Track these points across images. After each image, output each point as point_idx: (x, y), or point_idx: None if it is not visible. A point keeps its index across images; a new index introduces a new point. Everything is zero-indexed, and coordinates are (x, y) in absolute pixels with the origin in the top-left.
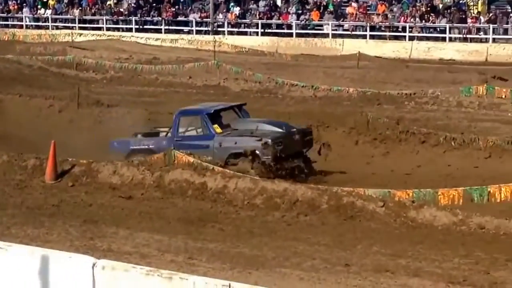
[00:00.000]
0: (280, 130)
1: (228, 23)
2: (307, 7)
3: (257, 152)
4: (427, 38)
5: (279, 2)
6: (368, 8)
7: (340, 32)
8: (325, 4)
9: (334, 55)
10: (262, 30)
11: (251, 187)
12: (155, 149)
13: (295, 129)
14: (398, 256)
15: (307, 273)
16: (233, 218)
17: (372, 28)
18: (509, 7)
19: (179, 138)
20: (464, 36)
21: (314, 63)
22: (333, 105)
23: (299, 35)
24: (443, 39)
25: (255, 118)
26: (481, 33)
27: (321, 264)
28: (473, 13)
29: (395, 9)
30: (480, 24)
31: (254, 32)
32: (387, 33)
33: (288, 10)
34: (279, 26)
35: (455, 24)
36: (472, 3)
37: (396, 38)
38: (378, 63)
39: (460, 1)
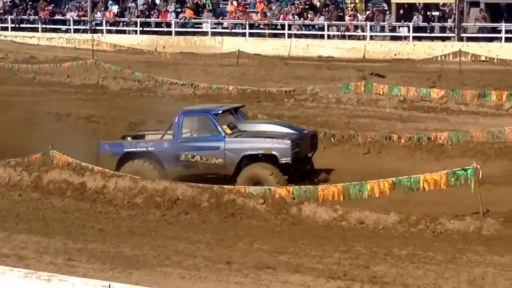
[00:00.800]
0: (295, 132)
1: (107, 22)
2: (186, 5)
3: (275, 153)
4: (306, 36)
5: (157, 0)
6: (247, 6)
7: (220, 30)
8: (203, 2)
9: (213, 53)
10: (141, 29)
11: (131, 186)
12: (155, 152)
13: (306, 131)
14: (279, 252)
15: (188, 272)
16: (113, 218)
17: (251, 26)
18: (386, 5)
19: (184, 139)
20: (342, 33)
21: (194, 61)
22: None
23: (178, 33)
24: (322, 36)
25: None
26: (359, 30)
27: (202, 262)
28: (351, 10)
29: (273, 7)
30: (357, 21)
31: (133, 30)
32: (266, 31)
33: (167, 8)
34: (158, 25)
35: (333, 22)
36: (349, 1)
37: (275, 35)
38: (257, 61)
39: None
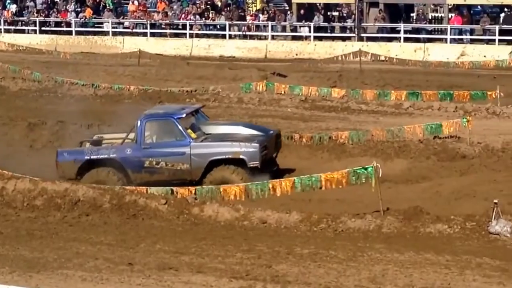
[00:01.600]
0: (261, 133)
1: (5, 21)
2: (87, 4)
3: (244, 158)
4: (208, 36)
5: None
6: (148, 5)
7: (120, 30)
8: (104, 2)
9: (114, 53)
10: (40, 28)
11: (31, 188)
12: (118, 159)
13: (272, 132)
14: (182, 253)
15: (89, 274)
16: (12, 220)
17: (153, 26)
18: (286, 5)
19: (147, 145)
20: (244, 33)
21: (95, 61)
22: (114, 103)
23: (78, 33)
24: (223, 36)
25: (213, 121)
26: (260, 30)
27: (104, 264)
28: (252, 10)
29: (175, 6)
30: (259, 21)
31: (32, 30)
32: (168, 31)
33: (67, 7)
34: (57, 24)
35: (234, 22)
36: (251, 1)
37: (177, 35)
38: (159, 61)
39: None
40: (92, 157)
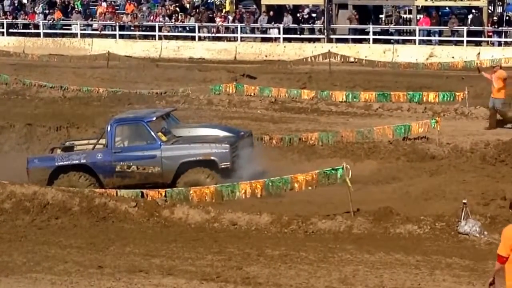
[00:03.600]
0: (231, 134)
1: None
2: (55, 7)
3: (214, 159)
4: (177, 37)
5: (25, 1)
6: (117, 7)
7: (89, 31)
8: (72, 3)
9: (83, 55)
10: (8, 30)
11: None
12: (89, 164)
13: (243, 133)
14: (152, 255)
15: (59, 277)
16: None
17: (122, 28)
18: (255, 7)
19: (118, 149)
20: (213, 35)
21: (63, 64)
22: (83, 106)
23: (46, 35)
24: (193, 38)
25: (184, 123)
26: (230, 32)
27: (74, 267)
28: (222, 12)
29: (144, 8)
30: (228, 23)
31: None
32: (137, 33)
33: (35, 9)
34: (25, 26)
35: (204, 23)
36: (220, 3)
37: (146, 37)
38: (128, 63)
39: (209, 1)
40: (63, 163)
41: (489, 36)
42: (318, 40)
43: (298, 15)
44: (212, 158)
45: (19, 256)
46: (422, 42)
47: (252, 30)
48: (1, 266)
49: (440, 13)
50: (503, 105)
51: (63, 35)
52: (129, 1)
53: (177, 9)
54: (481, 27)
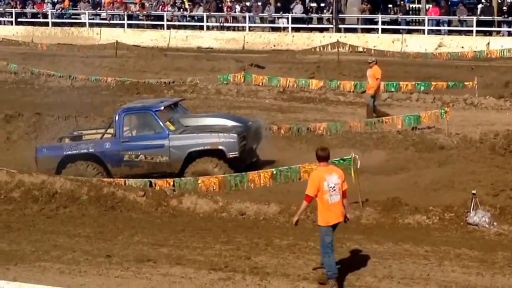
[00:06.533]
0: (239, 124)
1: None
2: None
3: (222, 148)
4: (185, 27)
5: None
6: None
7: (98, 21)
8: None
9: (91, 44)
10: (16, 19)
11: (8, 180)
12: (97, 153)
13: (251, 123)
14: (160, 245)
15: (67, 266)
16: None
17: (130, 17)
18: None
19: (126, 139)
20: (221, 24)
21: (71, 53)
22: (91, 95)
23: (55, 24)
24: (201, 27)
25: (193, 113)
26: (239, 21)
27: (82, 256)
28: (229, 2)
29: None
30: (236, 12)
31: (8, 21)
32: (145, 22)
33: None
34: (34, 15)
35: (212, 13)
36: None
37: (154, 27)
38: (136, 52)
39: None
40: (71, 152)
41: (499, 26)
42: (326, 29)
43: (307, 5)
44: (220, 147)
45: (28, 245)
46: (431, 32)
47: (261, 20)
48: (10, 254)
49: (449, 2)
50: (369, 101)
51: (71, 25)
52: None
53: None
54: (491, 17)
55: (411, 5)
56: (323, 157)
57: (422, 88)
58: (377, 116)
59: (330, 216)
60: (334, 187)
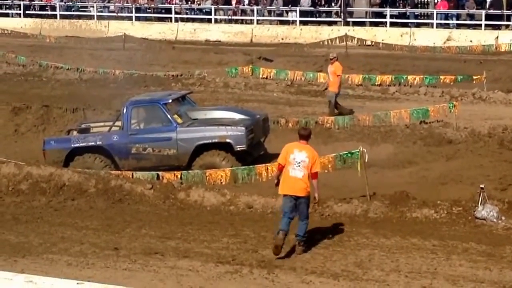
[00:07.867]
0: (247, 117)
1: None
2: None
3: (230, 141)
4: (193, 20)
5: None
6: None
7: (106, 14)
8: None
9: (99, 37)
10: (25, 12)
11: (16, 173)
12: (105, 146)
13: (258, 116)
14: (167, 238)
15: (75, 258)
16: None
17: (138, 10)
18: None
19: (134, 131)
20: (229, 17)
21: (79, 45)
22: (99, 88)
23: (63, 16)
24: (209, 20)
25: (200, 106)
26: (247, 14)
27: (90, 249)
28: None
29: None
30: (244, 5)
31: (16, 13)
32: (153, 15)
33: None
34: (42, 8)
35: (220, 6)
36: None
37: (162, 19)
38: (144, 45)
39: None
40: (79, 144)
41: (508, 20)
42: (335, 23)
43: None
44: (228, 140)
45: (36, 237)
46: (439, 25)
47: (269, 13)
48: (17, 247)
49: None
50: (332, 98)
51: (79, 17)
52: None
53: None
54: (500, 11)
55: None
56: (302, 135)
57: (431, 82)
58: (339, 113)
59: (284, 186)
60: (299, 163)
